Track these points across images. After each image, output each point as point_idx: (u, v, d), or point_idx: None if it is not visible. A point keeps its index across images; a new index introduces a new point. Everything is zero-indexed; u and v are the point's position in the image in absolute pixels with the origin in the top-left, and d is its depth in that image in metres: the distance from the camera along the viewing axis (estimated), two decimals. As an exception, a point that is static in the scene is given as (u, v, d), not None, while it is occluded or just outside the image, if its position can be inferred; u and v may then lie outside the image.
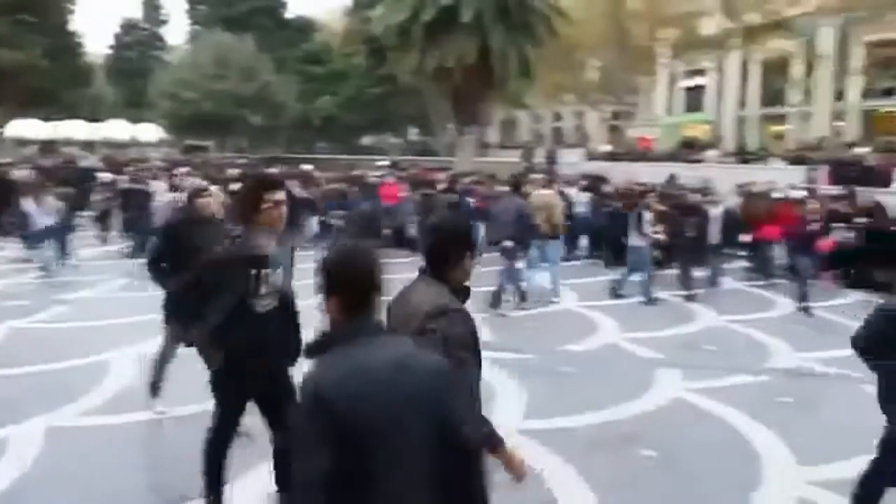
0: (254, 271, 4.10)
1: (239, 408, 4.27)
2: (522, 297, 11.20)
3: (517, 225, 10.95)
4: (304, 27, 53.29)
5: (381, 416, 2.16)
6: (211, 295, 4.12)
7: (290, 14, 54.22)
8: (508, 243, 10.84)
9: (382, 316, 2.41)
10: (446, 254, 3.04)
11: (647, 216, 11.76)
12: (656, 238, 12.01)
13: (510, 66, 27.08)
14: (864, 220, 13.70)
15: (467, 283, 3.11)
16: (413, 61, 27.94)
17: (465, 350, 2.86)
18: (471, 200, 16.34)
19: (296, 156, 36.42)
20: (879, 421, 6.58)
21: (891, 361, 3.96)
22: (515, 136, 52.31)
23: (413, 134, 52.97)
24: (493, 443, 2.95)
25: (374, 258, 2.35)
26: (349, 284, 2.29)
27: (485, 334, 9.42)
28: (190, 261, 5.49)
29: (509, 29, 26.76)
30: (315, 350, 2.28)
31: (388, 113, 44.72)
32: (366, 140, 52.49)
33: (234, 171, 20.61)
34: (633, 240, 11.79)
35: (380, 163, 27.25)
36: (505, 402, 6.91)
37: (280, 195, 4.19)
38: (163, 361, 6.23)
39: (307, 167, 22.64)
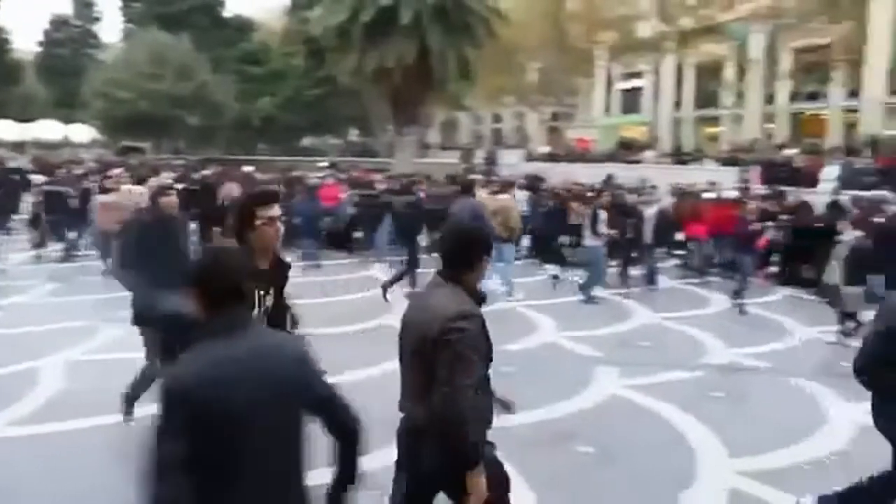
0: (254, 292, 3.78)
1: None
2: None
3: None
4: (242, 26, 52.59)
5: (245, 404, 2.27)
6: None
7: (227, 13, 53.51)
8: None
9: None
10: (465, 258, 3.18)
11: (603, 216, 11.89)
12: (611, 237, 12.16)
13: (449, 68, 27.20)
14: (787, 217, 14.13)
15: (479, 286, 3.24)
16: (352, 62, 27.86)
17: (477, 353, 2.99)
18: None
19: (234, 157, 35.94)
20: (805, 413, 6.83)
21: (886, 381, 4.03)
22: (456, 138, 52.50)
23: (353, 135, 52.74)
24: (475, 455, 2.99)
25: (238, 259, 2.50)
26: (212, 283, 2.39)
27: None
28: (157, 260, 5.49)
29: (448, 30, 26.87)
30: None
31: (328, 114, 44.45)
32: (306, 141, 52.08)
33: (170, 174, 20.23)
34: (588, 239, 11.91)
35: (320, 164, 27.10)
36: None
37: (275, 211, 3.86)
38: (148, 378, 5.75)
39: (248, 168, 22.51)
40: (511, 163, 30.53)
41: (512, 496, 5.08)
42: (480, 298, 3.20)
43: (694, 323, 10.56)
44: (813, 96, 33.41)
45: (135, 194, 13.81)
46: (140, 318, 5.83)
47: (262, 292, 3.87)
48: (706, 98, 37.84)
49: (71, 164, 23.90)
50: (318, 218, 15.80)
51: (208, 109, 41.79)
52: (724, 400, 7.28)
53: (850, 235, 9.98)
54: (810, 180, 19.51)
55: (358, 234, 16.97)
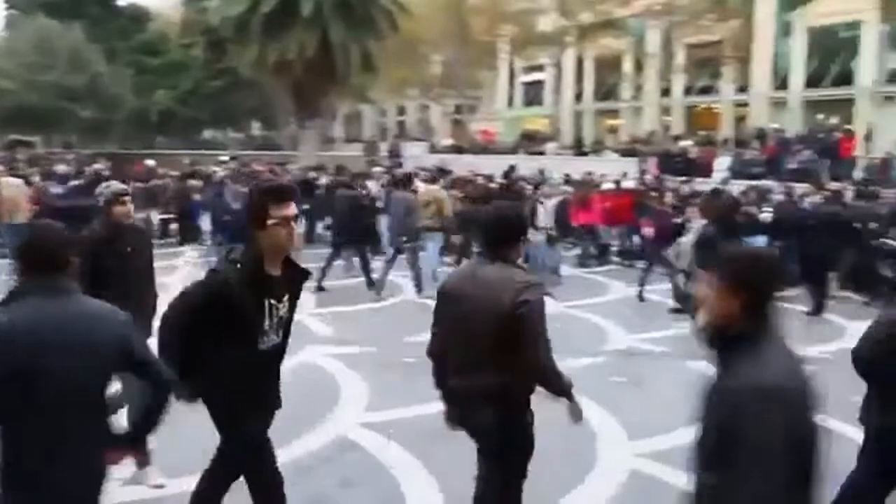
0: (264, 302, 3.43)
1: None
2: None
3: (408, 219, 11.37)
4: (137, 16, 50.70)
5: (46, 362, 2.60)
6: (215, 335, 3.37)
7: (122, 1, 51.47)
8: (404, 238, 11.31)
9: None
10: (509, 237, 3.56)
11: (542, 210, 12.00)
12: (549, 231, 12.26)
13: (352, 61, 27.01)
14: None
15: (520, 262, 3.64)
16: (253, 54, 27.36)
17: (543, 318, 3.48)
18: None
19: (131, 152, 34.74)
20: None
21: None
22: (360, 131, 52.18)
23: (255, 128, 51.78)
24: (570, 390, 3.64)
25: (56, 234, 2.82)
26: (29, 253, 2.75)
27: (328, 330, 9.40)
28: (115, 279, 4.66)
29: (350, 23, 26.68)
30: (2, 302, 2.74)
31: (230, 107, 43.42)
32: (206, 135, 50.79)
33: (64, 167, 19.46)
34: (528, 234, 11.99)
35: (221, 158, 26.49)
36: (348, 395, 6.91)
37: (291, 209, 3.38)
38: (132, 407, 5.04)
39: (150, 163, 21.94)
40: (415, 155, 30.56)
41: (415, 483, 5.14)
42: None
43: (596, 310, 10.82)
44: (706, 90, 34.75)
45: (12, 186, 13.35)
46: None
47: (273, 301, 3.44)
48: (606, 91, 38.78)
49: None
50: (225, 213, 15.51)
51: (103, 102, 39.98)
52: (625, 384, 7.49)
53: (697, 223, 10.45)
54: (704, 170, 20.28)
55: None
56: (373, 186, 16.24)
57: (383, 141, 39.19)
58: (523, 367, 3.48)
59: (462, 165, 23.09)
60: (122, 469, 4.93)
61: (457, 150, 32.11)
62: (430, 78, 39.29)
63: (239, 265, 3.37)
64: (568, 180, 17.70)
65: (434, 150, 32.94)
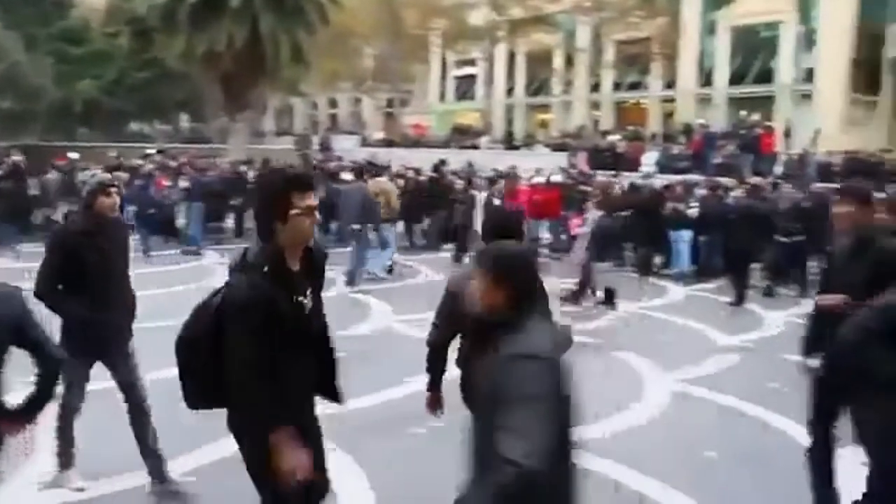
0: (294, 299, 3.20)
1: None
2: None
3: (364, 209, 11.74)
4: (58, 2, 49.02)
5: None
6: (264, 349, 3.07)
7: (41, -12, 49.69)
8: (356, 226, 11.54)
9: None
10: (509, 238, 3.59)
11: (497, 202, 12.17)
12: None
13: (282, 53, 26.65)
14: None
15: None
16: (180, 45, 26.74)
17: None
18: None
19: (53, 144, 33.62)
20: (626, 384, 7.22)
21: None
22: (292, 124, 51.59)
23: (184, 121, 50.74)
24: None
25: None
26: None
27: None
28: (95, 276, 4.52)
29: (281, 15, 26.31)
30: None
31: (157, 98, 42.34)
32: (133, 127, 49.52)
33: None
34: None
35: (147, 151, 25.86)
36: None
37: (313, 199, 3.19)
38: (68, 417, 4.76)
39: (73, 155, 21.35)
40: (346, 148, 30.42)
41: (345, 478, 5.13)
42: None
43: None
44: (634, 86, 35.46)
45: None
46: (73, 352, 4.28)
47: (300, 298, 3.23)
48: (537, 86, 39.20)
49: None
50: (151, 207, 15.38)
51: (22, 92, 38.57)
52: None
53: (593, 214, 10.70)
54: (632, 165, 20.70)
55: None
56: None
57: (315, 134, 38.81)
58: None
59: (394, 159, 23.08)
60: (44, 473, 4.86)
61: (388, 143, 32.08)
62: (362, 71, 39.12)
63: (265, 269, 3.09)
64: (501, 175, 17.84)
65: (366, 143, 32.84)
